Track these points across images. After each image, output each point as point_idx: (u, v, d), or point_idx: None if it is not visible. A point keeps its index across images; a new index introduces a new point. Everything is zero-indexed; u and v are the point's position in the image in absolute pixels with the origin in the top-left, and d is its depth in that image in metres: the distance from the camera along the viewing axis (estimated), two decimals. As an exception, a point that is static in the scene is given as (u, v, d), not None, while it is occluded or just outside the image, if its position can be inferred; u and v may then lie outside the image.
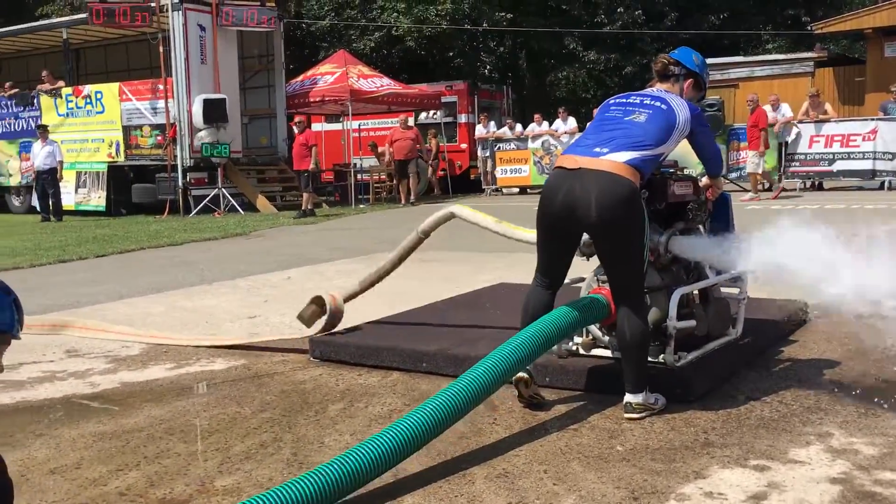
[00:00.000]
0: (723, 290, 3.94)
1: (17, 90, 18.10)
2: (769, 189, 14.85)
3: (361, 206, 16.78)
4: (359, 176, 18.18)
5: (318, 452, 2.98)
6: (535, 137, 18.19)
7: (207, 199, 15.32)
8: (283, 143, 17.31)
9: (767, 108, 14.86)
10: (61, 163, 15.36)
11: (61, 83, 17.25)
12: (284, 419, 3.37)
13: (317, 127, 20.98)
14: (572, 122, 18.06)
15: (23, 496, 2.61)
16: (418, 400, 3.57)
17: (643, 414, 3.19)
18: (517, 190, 18.75)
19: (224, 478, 2.76)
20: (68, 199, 16.24)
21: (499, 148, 18.58)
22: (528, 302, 3.39)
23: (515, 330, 3.21)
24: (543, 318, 3.19)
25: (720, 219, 3.89)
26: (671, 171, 3.61)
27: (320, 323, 4.48)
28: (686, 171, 3.75)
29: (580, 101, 26.81)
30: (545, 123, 18.57)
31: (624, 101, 3.47)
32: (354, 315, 4.70)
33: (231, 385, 3.95)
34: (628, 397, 3.20)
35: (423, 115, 20.57)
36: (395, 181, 17.73)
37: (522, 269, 4.36)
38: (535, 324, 3.16)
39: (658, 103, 3.36)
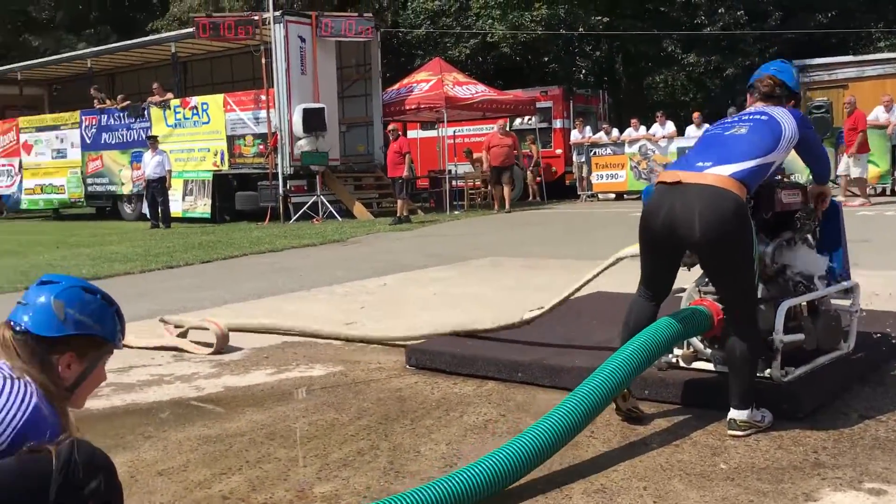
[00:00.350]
0: (834, 301, 3.76)
1: (129, 102, 18.97)
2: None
3: (456, 212, 16.86)
4: (453, 182, 18.28)
5: (413, 461, 2.99)
6: (631, 142, 17.90)
7: (306, 206, 15.69)
8: (380, 151, 17.58)
9: (880, 109, 14.17)
10: (170, 172, 16.01)
11: (170, 95, 18.00)
12: (381, 427, 3.40)
13: (412, 134, 21.25)
14: (670, 127, 17.69)
15: (132, 497, 2.71)
16: (513, 410, 3.55)
17: (748, 431, 3.07)
18: (613, 196, 18.48)
19: (322, 485, 2.81)
20: (176, 207, 16.90)
21: (594, 153, 18.36)
22: (631, 313, 3.31)
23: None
24: (648, 330, 3.10)
25: (831, 228, 3.72)
26: (778, 178, 3.47)
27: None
28: (793, 178, 3.61)
29: (679, 105, 26.21)
30: (642, 128, 18.26)
31: (722, 122, 3.41)
32: (448, 322, 4.71)
33: (329, 391, 4.02)
34: (733, 413, 3.08)
35: (517, 120, 20.53)
36: (489, 187, 17.74)
37: (621, 278, 4.28)
38: (640, 335, 3.08)
39: (759, 116, 3.27)
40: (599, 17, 24.16)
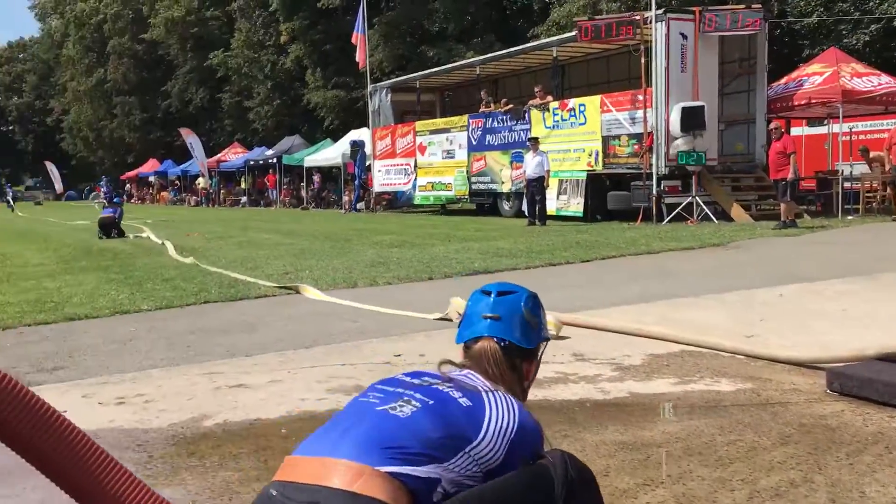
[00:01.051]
0: None
1: (511, 106, 20.07)
2: None
3: (849, 217, 15.29)
4: (846, 184, 16.59)
5: (858, 503, 2.70)
6: None
7: (680, 207, 15.31)
8: (762, 150, 16.55)
9: None
10: (548, 172, 16.63)
11: (550, 98, 18.69)
12: (811, 457, 3.13)
13: (796, 131, 19.72)
14: None
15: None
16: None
17: None
18: None
19: (756, 513, 2.64)
20: (550, 205, 17.51)
21: None
22: None
23: None
24: None
25: None
26: None
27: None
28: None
29: None
30: None
31: None
32: (867, 344, 4.21)
33: (741, 410, 3.81)
34: None
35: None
36: (890, 190, 15.80)
37: None
38: None
39: None
40: None
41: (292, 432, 3.73)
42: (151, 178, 53.67)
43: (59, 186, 64.91)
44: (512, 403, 1.91)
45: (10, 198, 48.67)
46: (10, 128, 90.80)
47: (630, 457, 3.22)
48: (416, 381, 1.96)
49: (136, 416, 4.07)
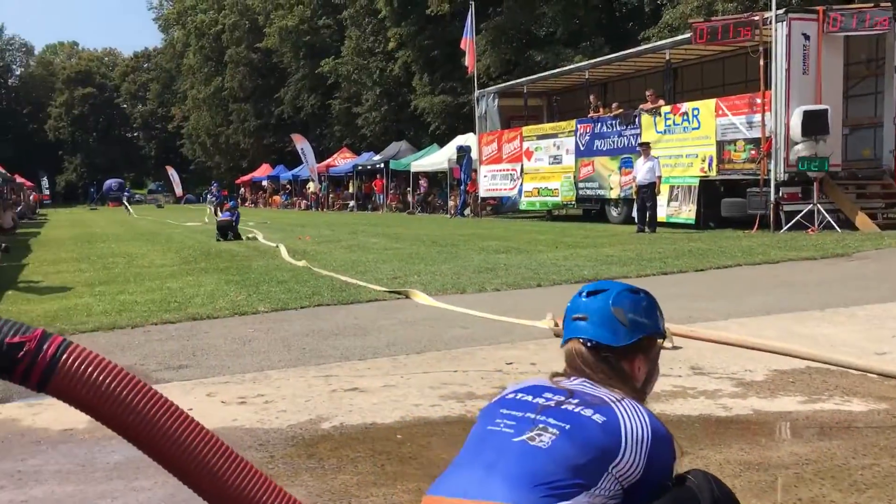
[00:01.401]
0: None
1: (621, 110, 19.73)
2: None
3: None
4: None
5: None
6: None
7: (800, 214, 14.67)
8: (890, 155, 15.68)
9: None
10: (660, 178, 16.25)
11: (661, 102, 18.27)
12: (959, 488, 2.92)
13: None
14: None
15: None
16: None
17: None
18: None
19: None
20: (660, 212, 17.10)
21: None
22: None
23: None
24: None
25: None
26: None
27: None
28: None
29: None
30: None
31: None
32: None
33: (876, 432, 3.59)
34: None
35: None
36: None
37: None
38: None
39: None
40: None
41: (407, 438, 3.75)
42: (264, 183, 55.55)
43: (178, 190, 68.07)
44: (641, 411, 1.85)
45: (125, 201, 51.62)
46: (135, 134, 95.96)
47: (757, 478, 3.09)
48: (540, 400, 1.92)
49: (257, 416, 4.19)
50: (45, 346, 1.59)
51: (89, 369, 1.61)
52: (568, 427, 1.78)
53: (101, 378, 1.62)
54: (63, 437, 3.97)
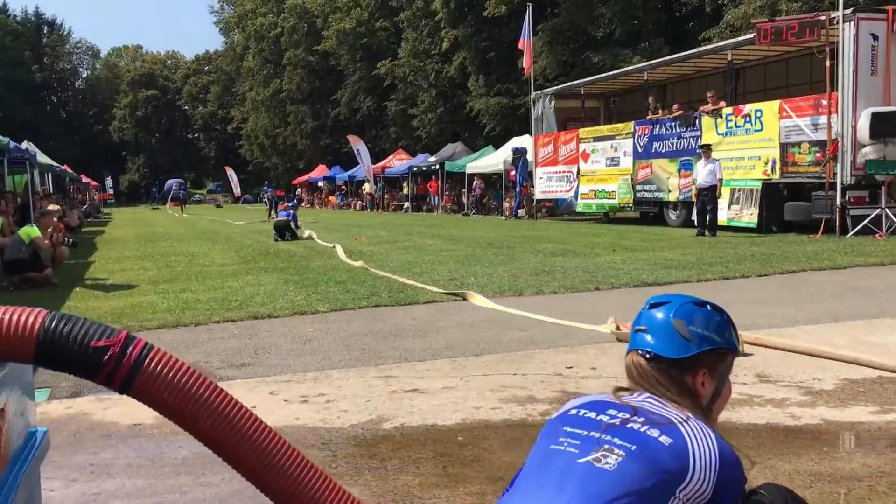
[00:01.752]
0: None
1: (681, 112, 19.44)
2: None
3: None
4: None
5: None
6: None
7: (868, 219, 14.27)
8: (962, 159, 15.14)
9: None
10: (721, 180, 15.96)
11: (723, 103, 17.95)
12: None
13: None
14: None
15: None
16: None
17: None
18: None
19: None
20: (721, 215, 16.78)
21: None
22: None
23: None
24: None
25: None
26: None
27: None
28: None
29: None
30: None
31: None
32: None
33: (955, 446, 3.47)
34: None
35: None
36: None
37: None
38: None
39: None
40: None
41: (469, 440, 3.75)
42: (320, 183, 56.19)
43: (237, 190, 69.28)
44: (708, 433, 1.80)
45: (173, 201, 53.09)
46: (196, 135, 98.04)
47: (829, 489, 3.01)
48: (604, 418, 1.88)
49: (319, 415, 4.23)
50: (129, 350, 1.63)
51: (170, 373, 1.65)
52: (634, 448, 1.75)
53: (181, 381, 1.65)
54: (132, 431, 4.07)
